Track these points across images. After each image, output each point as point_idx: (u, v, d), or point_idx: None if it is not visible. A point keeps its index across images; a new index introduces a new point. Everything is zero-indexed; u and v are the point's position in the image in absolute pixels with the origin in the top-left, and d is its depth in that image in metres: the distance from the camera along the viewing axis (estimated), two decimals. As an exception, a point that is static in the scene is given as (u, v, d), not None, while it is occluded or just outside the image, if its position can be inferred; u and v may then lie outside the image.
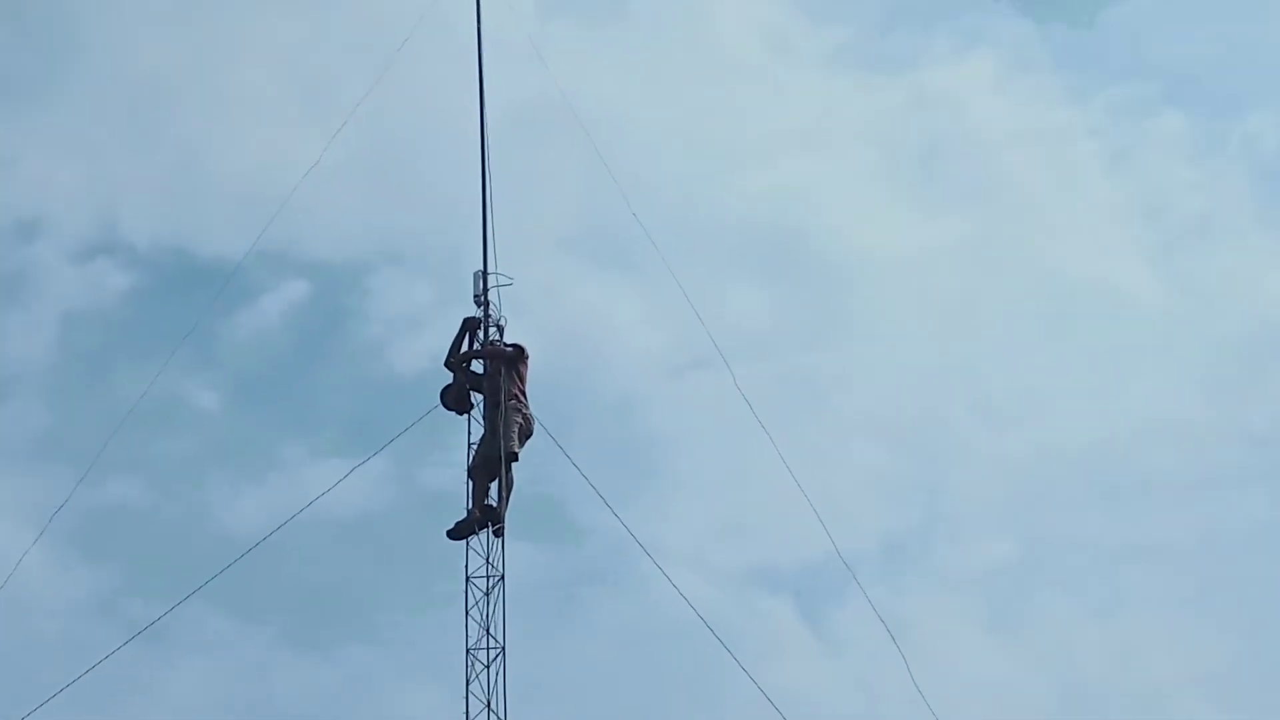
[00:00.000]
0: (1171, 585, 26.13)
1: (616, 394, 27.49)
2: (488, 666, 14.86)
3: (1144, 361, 28.92)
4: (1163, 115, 32.78)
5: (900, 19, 32.66)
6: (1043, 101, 32.33)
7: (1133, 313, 29.56)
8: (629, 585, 24.04)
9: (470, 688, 14.82)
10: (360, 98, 17.27)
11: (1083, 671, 25.07)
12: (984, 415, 28.52)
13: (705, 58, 30.22)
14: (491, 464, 15.46)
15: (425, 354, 22.50)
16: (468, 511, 15.48)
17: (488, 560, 15.30)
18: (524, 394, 15.71)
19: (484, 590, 15.17)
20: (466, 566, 15.29)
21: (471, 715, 14.72)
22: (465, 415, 15.91)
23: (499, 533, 15.40)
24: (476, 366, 16.05)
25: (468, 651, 14.96)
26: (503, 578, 15.19)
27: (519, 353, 15.86)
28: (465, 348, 16.03)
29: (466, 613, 15.10)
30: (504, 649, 14.89)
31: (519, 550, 15.70)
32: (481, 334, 16.05)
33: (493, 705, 14.70)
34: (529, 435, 15.64)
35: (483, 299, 16.10)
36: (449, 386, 15.91)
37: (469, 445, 15.79)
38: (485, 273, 16.12)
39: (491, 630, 14.98)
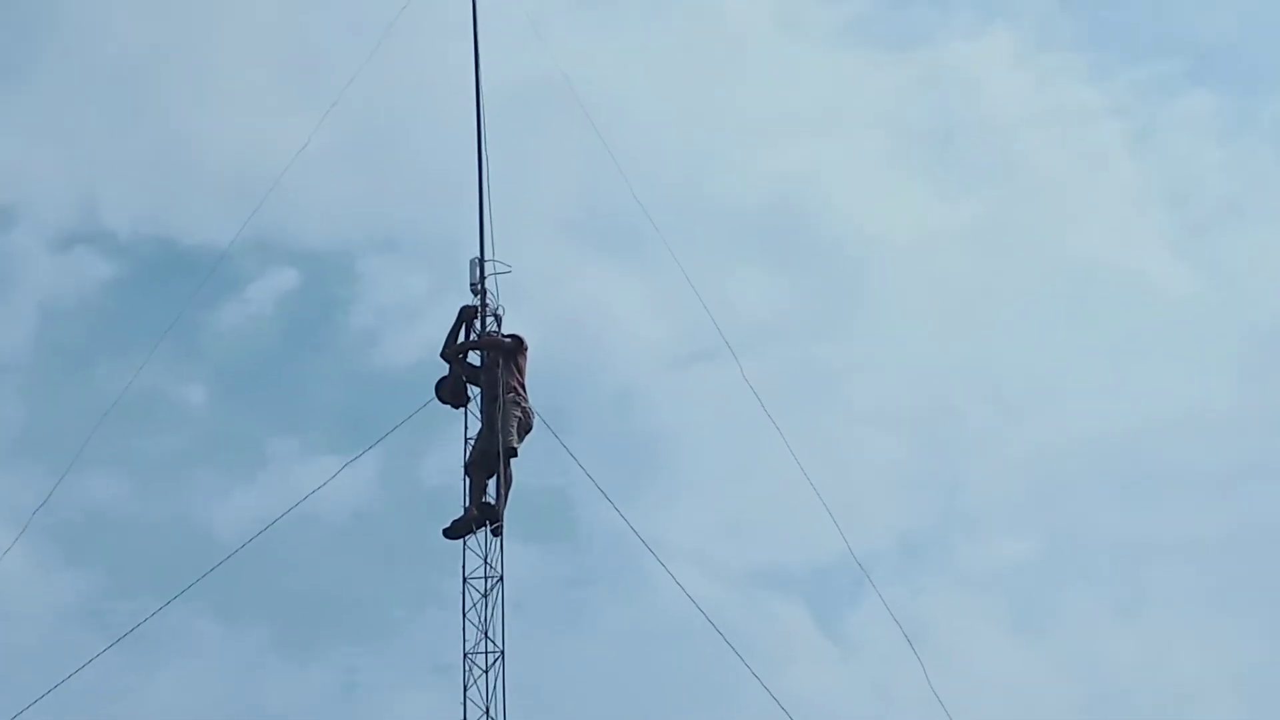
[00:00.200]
0: (1200, 582, 26.09)
1: (619, 386, 27.46)
2: (486, 671, 14.85)
3: (1170, 350, 28.86)
4: (1189, 94, 32.74)
5: (914, -7, 32.62)
6: (1064, 79, 32.28)
7: (1158, 300, 29.53)
8: (633, 586, 24.05)
9: (468, 693, 14.82)
10: (350, 77, 17.25)
11: (1108, 672, 25.04)
12: (1003, 407, 28.50)
13: (711, 35, 30.20)
14: (489, 460, 15.44)
15: (420, 345, 22.31)
16: (465, 509, 15.46)
17: (486, 560, 15.29)
18: (523, 386, 15.68)
19: (482, 592, 15.17)
20: (464, 567, 15.30)
21: (469, 722, 14.71)
22: (462, 409, 15.89)
23: (497, 531, 15.38)
24: (473, 358, 16.02)
25: (465, 655, 14.95)
26: (501, 578, 15.19)
27: (517, 343, 15.83)
28: (462, 338, 16.01)
29: (464, 615, 15.09)
30: (503, 653, 14.89)
31: (518, 550, 15.72)
32: (478, 324, 16.02)
33: (491, 711, 14.70)
34: (528, 429, 15.61)
35: (479, 287, 16.07)
36: (444, 379, 15.89)
37: (466, 440, 15.77)
38: (482, 260, 16.10)
39: (490, 633, 14.98)
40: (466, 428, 15.82)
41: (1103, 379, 28.62)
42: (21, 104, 29.80)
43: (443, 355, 15.99)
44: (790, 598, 25.68)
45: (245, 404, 28.14)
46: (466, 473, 15.61)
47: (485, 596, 15.12)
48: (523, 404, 15.60)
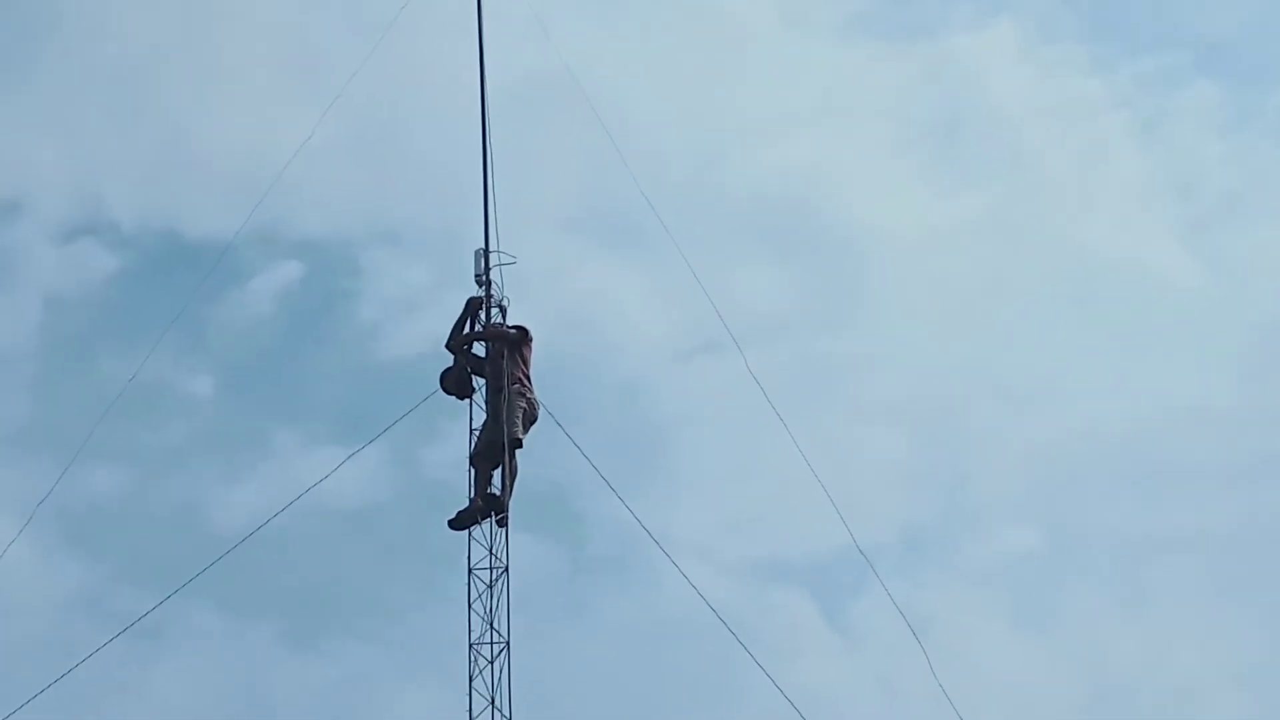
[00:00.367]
0: (1205, 577, 26.18)
1: (624, 378, 27.53)
2: (491, 662, 14.89)
3: (1175, 344, 28.93)
4: (1194, 85, 32.77)
5: (918, -15, 32.66)
6: (1068, 72, 32.31)
7: (1163, 293, 29.58)
8: (638, 578, 24.13)
9: (473, 685, 14.85)
10: (354, 71, 17.32)
11: (1112, 667, 25.13)
12: (1008, 401, 28.58)
13: (715, 29, 30.26)
14: (494, 451, 15.50)
15: (424, 337, 22.52)
16: (470, 501, 15.51)
17: (491, 552, 15.33)
18: (528, 378, 15.74)
19: (487, 583, 15.21)
20: (469, 558, 15.34)
21: (475, 713, 14.77)
22: (466, 400, 15.95)
23: (502, 523, 15.42)
24: (478, 349, 16.10)
25: (471, 647, 15.00)
26: (506, 570, 15.22)
27: (522, 335, 15.89)
28: (468, 329, 16.07)
29: (469, 606, 15.14)
30: (508, 644, 14.93)
31: (523, 541, 15.76)
32: (483, 315, 16.09)
33: (497, 703, 14.74)
34: (533, 421, 15.67)
35: (484, 279, 16.12)
36: (449, 370, 15.94)
37: (470, 431, 15.83)
38: (487, 251, 16.13)
39: (495, 625, 15.02)
40: (471, 419, 15.90)
41: (1107, 372, 28.70)
42: (26, 99, 29.91)
43: (448, 346, 16.05)
44: (795, 590, 25.78)
45: (249, 396, 28.25)
46: (471, 464, 15.66)
47: (490, 588, 15.16)
48: (528, 395, 15.65)
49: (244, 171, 26.10)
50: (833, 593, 25.47)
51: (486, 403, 15.81)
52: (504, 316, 16.14)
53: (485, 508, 15.45)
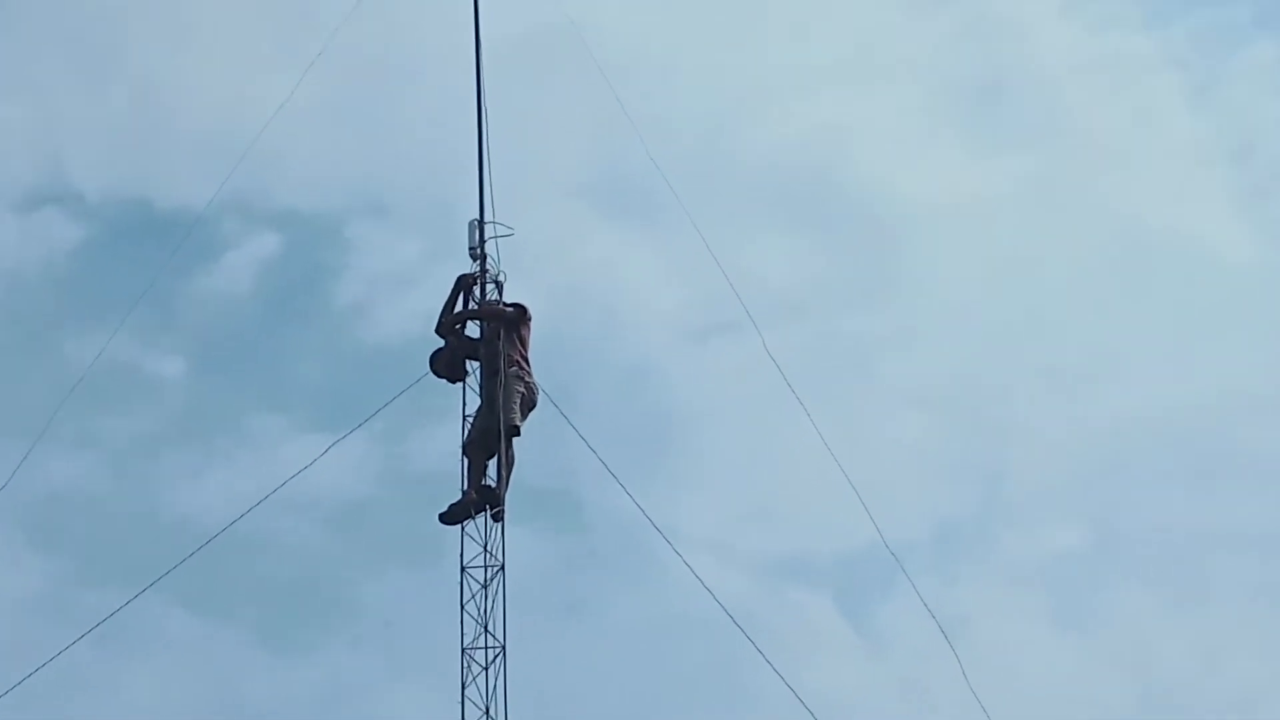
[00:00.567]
0: (1262, 575, 26.15)
1: (630, 360, 27.57)
2: (486, 668, 14.95)
3: (1231, 322, 28.91)
4: (1253, 43, 32.81)
5: (954, -65, 32.63)
6: (1116, 28, 32.34)
7: (1220, 266, 29.58)
8: (645, 576, 24.09)
9: (467, 691, 14.91)
10: (338, 25, 17.32)
11: (1163, 672, 25.19)
12: (1049, 385, 28.59)
13: (732, -20, 30.21)
14: (489, 439, 15.54)
15: (413, 315, 22.42)
16: (463, 493, 15.55)
17: (485, 548, 15.38)
18: (526, 360, 15.77)
19: (482, 582, 15.26)
20: (462, 555, 15.38)
21: (468, 723, 14.84)
22: (459, 384, 15.99)
23: (498, 517, 15.47)
24: (472, 329, 16.12)
25: (464, 651, 15.05)
26: (502, 568, 15.28)
27: (520, 313, 15.92)
28: (460, 309, 16.10)
29: (462, 607, 15.19)
30: (504, 648, 14.98)
31: (521, 537, 15.81)
32: (478, 291, 16.12)
33: (491, 711, 14.79)
34: (532, 407, 15.71)
35: (479, 252, 16.16)
36: (439, 351, 15.97)
37: (464, 418, 15.87)
38: (481, 222, 16.17)
39: (490, 627, 15.07)
40: (465, 404, 15.94)
41: (1159, 353, 28.77)
42: (-18, 57, 29.99)
43: (438, 332, 16.08)
44: (816, 589, 25.86)
45: (224, 379, 28.31)
46: (465, 453, 15.69)
47: (485, 587, 15.21)
48: (526, 379, 15.68)
49: (218, 136, 26.07)
50: (858, 593, 25.57)
51: (481, 387, 15.83)
52: (500, 293, 16.17)
53: (480, 501, 15.49)
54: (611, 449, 15.77)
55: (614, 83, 16.98)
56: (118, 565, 23.70)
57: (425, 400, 16.08)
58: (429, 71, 23.53)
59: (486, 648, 15.00)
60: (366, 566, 24.53)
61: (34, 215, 29.51)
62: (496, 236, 16.17)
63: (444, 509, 15.53)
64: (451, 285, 16.10)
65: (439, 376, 16.01)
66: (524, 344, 15.83)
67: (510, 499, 15.53)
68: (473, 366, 15.99)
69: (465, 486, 15.57)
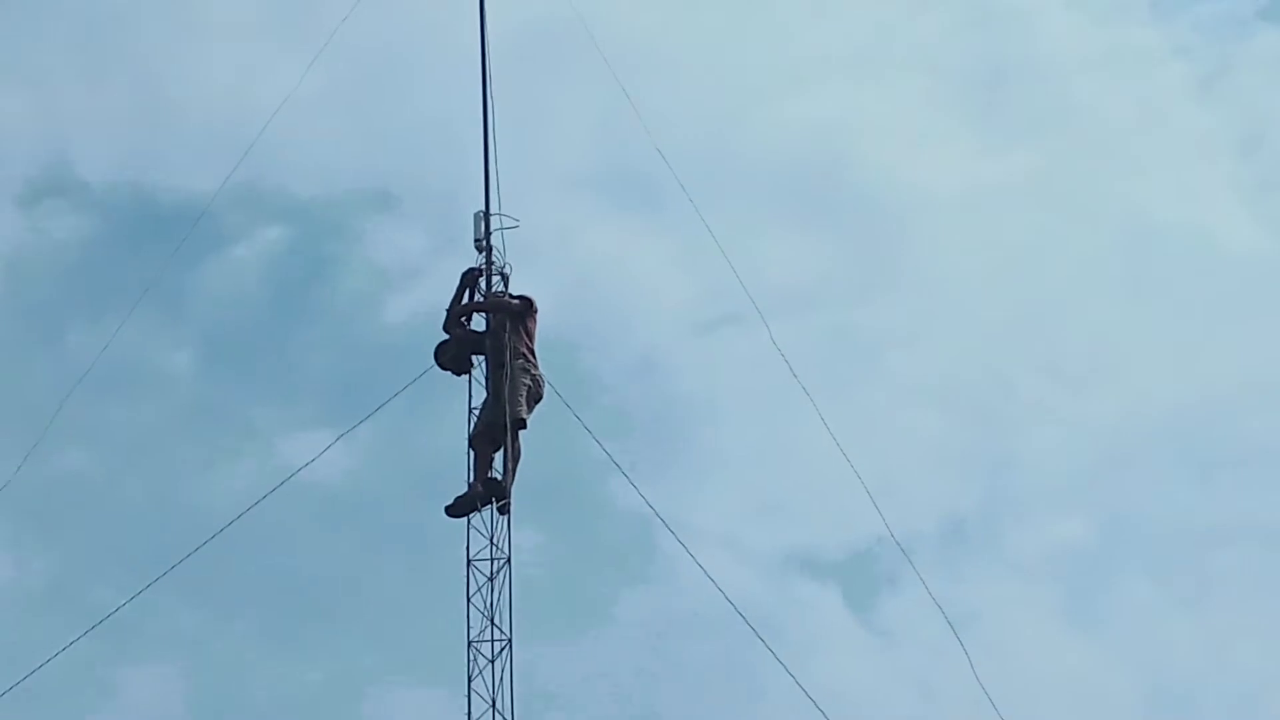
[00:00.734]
0: (1271, 569, 26.12)
1: (638, 352, 27.54)
2: (492, 661, 14.93)
3: (1239, 315, 28.87)
4: (1260, 33, 32.73)
5: (959, -74, 32.57)
6: (1122, 18, 32.29)
7: (1227, 259, 29.52)
8: (652, 570, 24.13)
9: (472, 685, 14.89)
10: (344, 15, 17.30)
11: (1170, 668, 25.16)
12: (1057, 377, 28.53)
13: (738, -29, 30.16)
14: (495, 432, 15.51)
15: (419, 307, 22.60)
16: (469, 486, 15.53)
17: (492, 541, 15.36)
18: (532, 352, 15.75)
19: (488, 575, 15.23)
20: (468, 548, 15.36)
21: (474, 716, 14.79)
22: (464, 376, 15.95)
23: (504, 510, 15.45)
24: (478, 322, 16.09)
25: (469, 644, 15.03)
26: (508, 561, 15.25)
27: (526, 305, 15.90)
28: (466, 300, 16.06)
29: (468, 600, 15.17)
30: (510, 641, 14.96)
31: (527, 530, 15.82)
32: (483, 284, 16.08)
33: (498, 705, 14.77)
34: (538, 399, 15.69)
35: (485, 244, 16.15)
36: (445, 343, 15.95)
37: (470, 411, 15.85)
38: (487, 214, 16.16)
39: (496, 620, 15.05)
40: (471, 397, 15.92)
41: (1166, 345, 28.72)
42: (-15, 47, 29.94)
43: (446, 326, 16.04)
44: (824, 583, 25.84)
45: (230, 372, 28.25)
46: (471, 446, 15.67)
47: (491, 580, 15.19)
48: (532, 371, 15.66)
49: (224, 127, 26.11)
50: (866, 587, 25.57)
51: (487, 379, 15.82)
52: (506, 285, 16.14)
53: (486, 494, 15.46)
54: (618, 442, 15.83)
55: (620, 74, 16.99)
56: (123, 559, 23.70)
57: (431, 393, 16.10)
58: (435, 63, 23.57)
59: (493, 641, 14.98)
60: (372, 559, 24.51)
61: (39, 207, 29.50)
62: (502, 228, 16.18)
63: (450, 502, 15.50)
64: (458, 280, 16.08)
65: (444, 369, 16.00)
66: (530, 336, 15.81)
67: (516, 492, 15.51)
68: (479, 359, 15.97)
69: (471, 479, 15.56)
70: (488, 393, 15.76)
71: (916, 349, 28.23)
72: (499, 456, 15.58)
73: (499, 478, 15.52)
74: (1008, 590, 26.12)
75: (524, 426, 15.55)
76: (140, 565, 16.21)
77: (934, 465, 27.14)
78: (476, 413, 15.76)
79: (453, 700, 14.92)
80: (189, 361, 28.10)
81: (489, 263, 16.12)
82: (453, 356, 15.95)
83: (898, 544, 16.06)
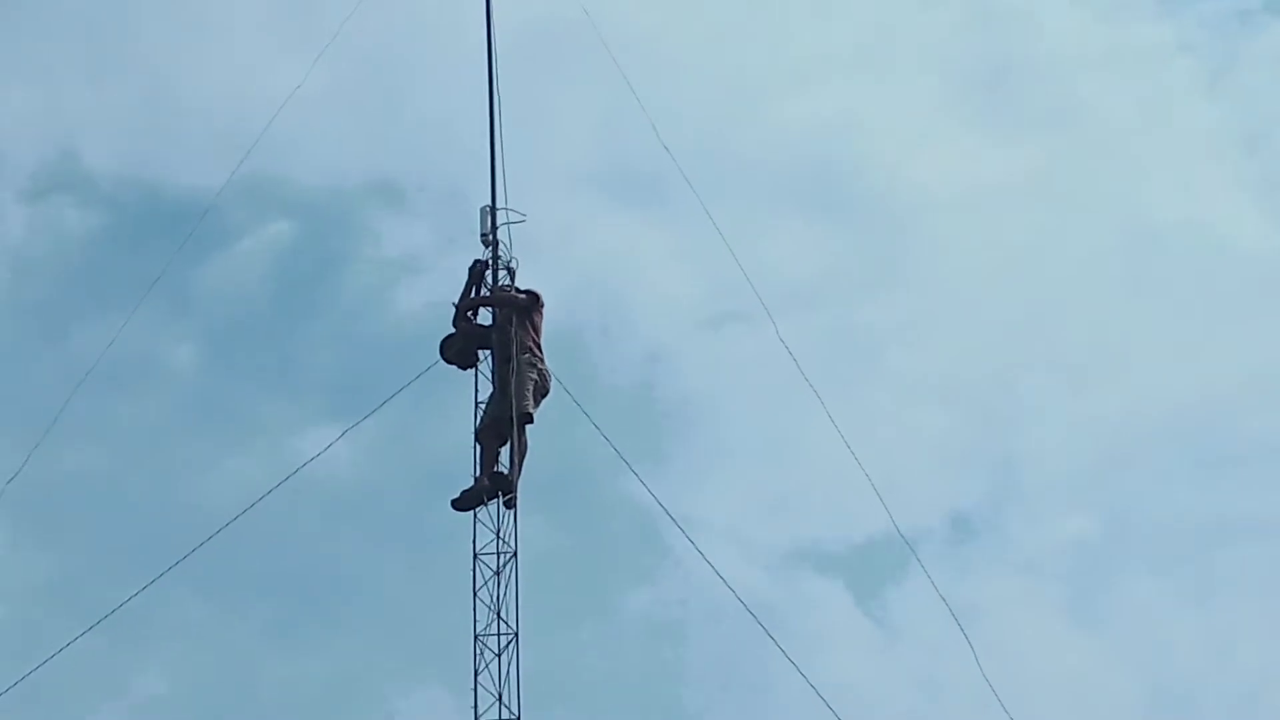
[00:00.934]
0: (1275, 567, 26.12)
1: (644, 347, 27.57)
2: (499, 655, 14.91)
3: (1245, 312, 28.85)
4: (1267, 29, 32.73)
5: (964, -78, 32.55)
6: (1128, 14, 32.30)
7: (1234, 257, 29.51)
8: (658, 565, 24.16)
9: (479, 680, 14.86)
10: (350, 11, 17.31)
11: (1174, 664, 25.17)
12: (1061, 374, 28.54)
13: (744, -31, 30.15)
14: (502, 426, 15.50)
15: (425, 302, 22.57)
16: (475, 480, 15.52)
17: (498, 535, 15.35)
18: (539, 347, 15.74)
19: (494, 569, 15.22)
20: (474, 543, 15.35)
21: (480, 711, 14.77)
22: (470, 371, 15.94)
23: (510, 504, 15.43)
24: (484, 316, 16.08)
25: (476, 639, 15.01)
26: (515, 555, 15.25)
27: (533, 300, 15.88)
28: (473, 295, 16.05)
29: (474, 594, 15.14)
30: (517, 635, 14.95)
31: (533, 524, 15.79)
32: (490, 278, 16.07)
33: (504, 699, 14.76)
34: (545, 393, 15.68)
35: (491, 238, 16.14)
36: (451, 337, 15.93)
37: (476, 405, 15.84)
38: (494, 208, 16.16)
39: (502, 615, 15.03)
40: (477, 391, 15.90)
41: (1170, 343, 28.72)
42: (-7, 42, 29.95)
43: (455, 322, 16.02)
44: (830, 579, 25.84)
45: (236, 366, 28.27)
46: (477, 440, 15.66)
47: (498, 574, 15.17)
48: (539, 365, 15.65)
49: (230, 122, 26.01)
50: (871, 582, 25.58)
51: (494, 374, 15.80)
52: (512, 280, 16.13)
53: (492, 488, 15.46)
54: (625, 437, 15.79)
55: (625, 71, 16.98)
56: (129, 555, 23.74)
57: (437, 387, 16.09)
58: (442, 58, 23.53)
59: (499, 635, 14.96)
60: (379, 554, 24.52)
61: (44, 202, 29.51)
62: (509, 223, 16.18)
63: (456, 496, 15.47)
64: (466, 273, 16.07)
65: (450, 364, 15.98)
66: (536, 331, 15.80)
67: (523, 486, 15.50)
68: (485, 354, 15.95)
69: (478, 474, 15.54)
70: (494, 387, 15.74)
71: (920, 346, 28.28)
72: (505, 451, 15.57)
73: (505, 472, 15.51)
74: (1012, 586, 26.18)
75: (530, 421, 15.54)
76: (146, 561, 16.19)
77: (938, 461, 27.20)
78: (483, 407, 15.75)
79: (459, 695, 14.94)
80: (194, 356, 28.16)
81: (495, 257, 16.11)
82: (458, 351, 15.93)
83: (903, 539, 16.10)
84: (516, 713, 14.70)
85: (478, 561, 15.25)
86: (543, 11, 19.92)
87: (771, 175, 29.35)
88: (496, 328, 15.92)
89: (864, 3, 31.41)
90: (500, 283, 16.09)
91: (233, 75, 28.09)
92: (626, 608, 25.03)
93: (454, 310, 16.04)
